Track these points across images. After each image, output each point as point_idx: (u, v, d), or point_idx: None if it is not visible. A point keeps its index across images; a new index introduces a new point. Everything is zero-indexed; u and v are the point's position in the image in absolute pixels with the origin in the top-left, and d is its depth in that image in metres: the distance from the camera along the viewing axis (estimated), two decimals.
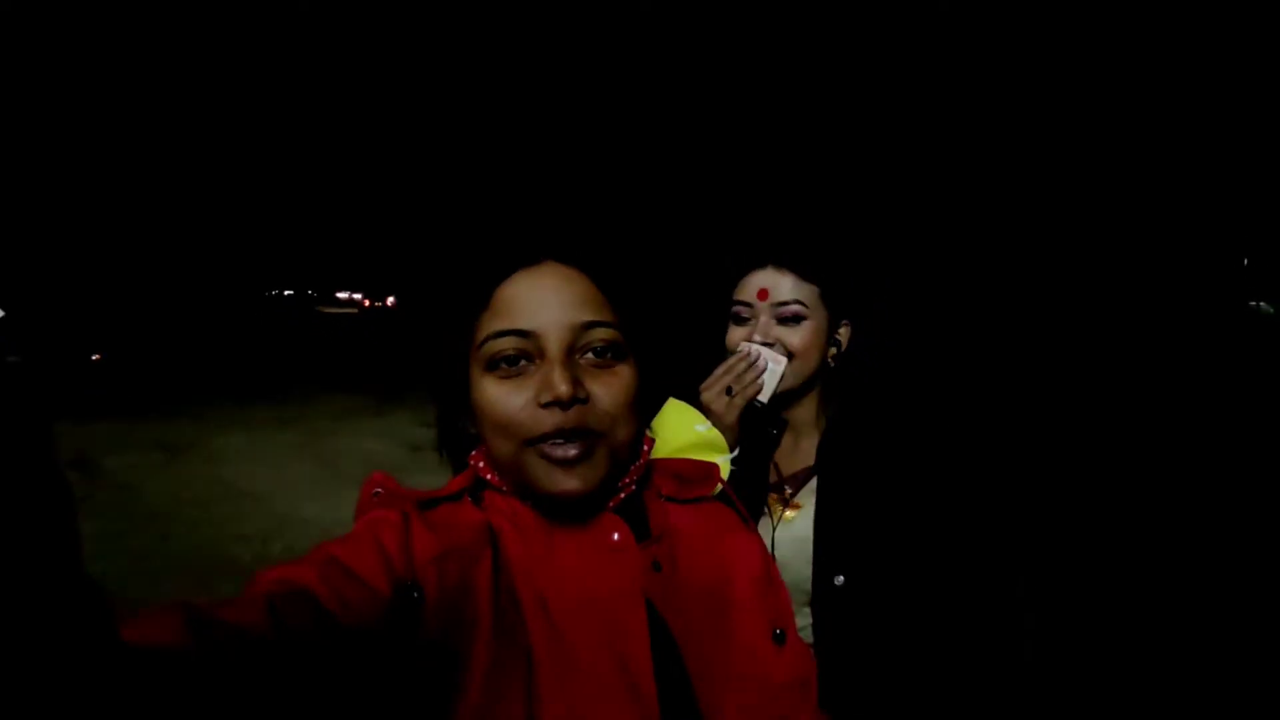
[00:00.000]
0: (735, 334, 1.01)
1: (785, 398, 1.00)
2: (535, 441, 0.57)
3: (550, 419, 0.56)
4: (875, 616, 0.90)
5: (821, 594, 0.92)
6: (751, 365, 0.95)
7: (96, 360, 10.71)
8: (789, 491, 1.01)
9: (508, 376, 0.58)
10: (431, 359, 0.66)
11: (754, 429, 1.00)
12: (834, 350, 1.02)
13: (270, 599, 0.44)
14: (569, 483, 0.57)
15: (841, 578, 0.90)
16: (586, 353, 0.59)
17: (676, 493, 0.69)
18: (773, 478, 1.02)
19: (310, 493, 4.25)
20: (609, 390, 0.58)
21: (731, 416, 0.93)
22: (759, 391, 0.95)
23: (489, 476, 0.63)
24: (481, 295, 0.60)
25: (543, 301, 0.59)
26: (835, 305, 1.01)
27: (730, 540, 0.68)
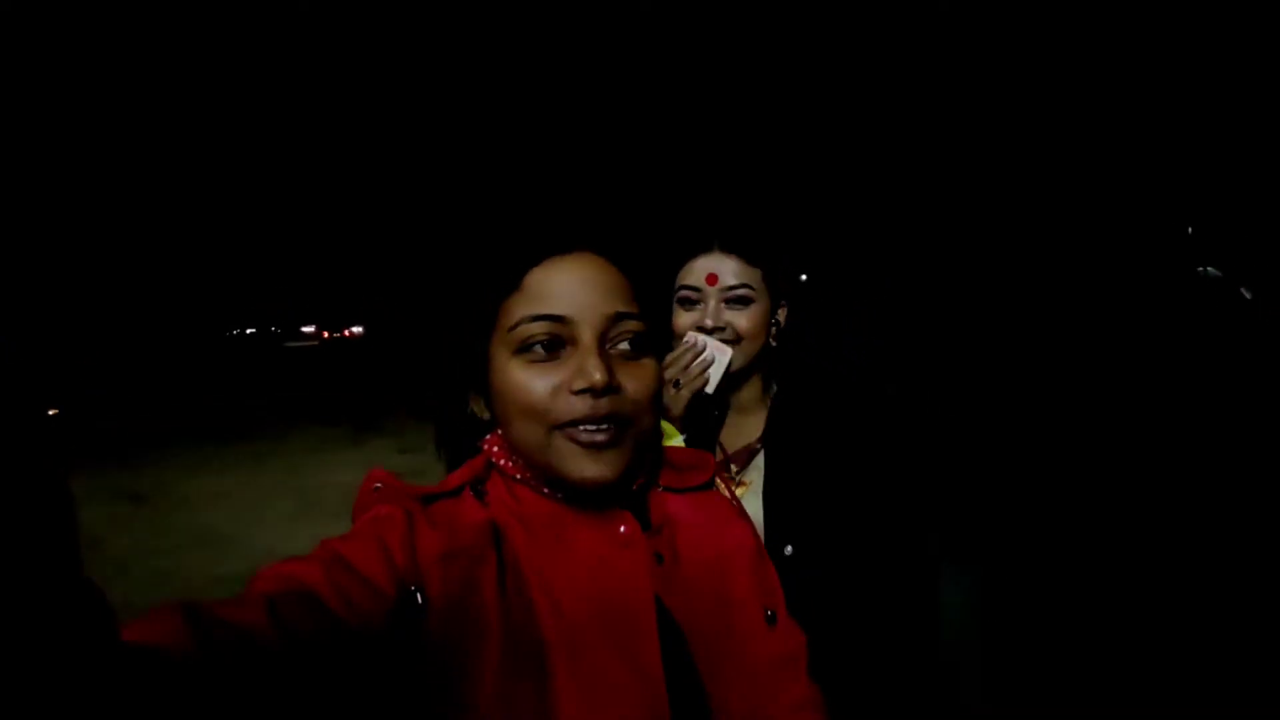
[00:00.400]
0: (685, 319, 1.03)
1: (731, 378, 1.02)
2: (564, 426, 0.56)
3: (582, 405, 0.56)
4: (822, 581, 0.93)
5: (772, 559, 0.95)
6: (698, 357, 0.98)
7: (53, 415, 10.28)
8: (735, 469, 1.03)
9: (538, 361, 0.58)
10: (449, 340, 0.64)
11: (698, 414, 1.02)
12: (774, 329, 1.05)
13: (271, 598, 0.43)
14: (595, 468, 0.57)
15: (790, 548, 0.94)
16: (618, 343, 0.59)
17: (673, 482, 0.69)
18: (718, 456, 1.04)
19: (291, 530, 4.12)
20: (637, 381, 0.59)
21: (679, 408, 0.96)
22: (706, 384, 0.98)
23: (503, 463, 0.62)
24: (512, 278, 0.60)
25: (578, 289, 0.58)
26: (775, 287, 1.04)
27: (725, 529, 0.68)
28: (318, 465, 5.91)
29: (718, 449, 1.06)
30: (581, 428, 0.56)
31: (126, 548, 4.00)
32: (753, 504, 0.98)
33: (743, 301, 1.01)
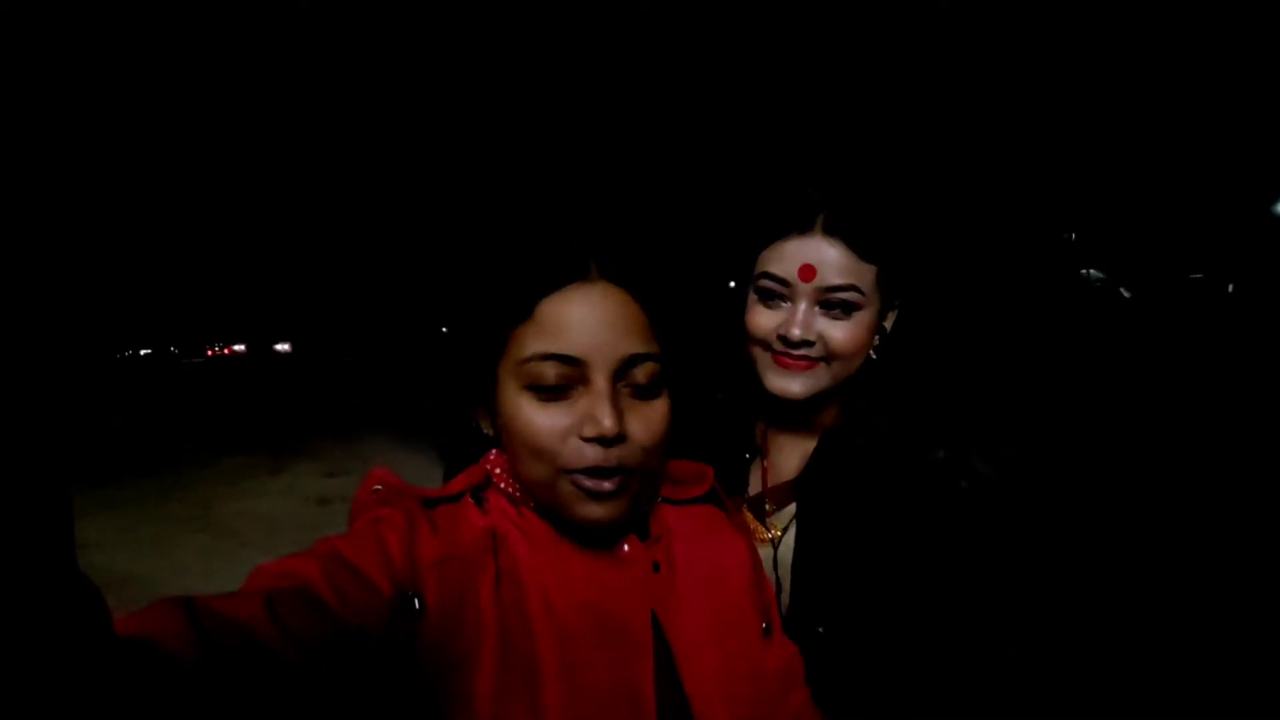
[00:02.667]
0: (764, 318, 0.79)
1: (808, 399, 0.80)
2: (572, 472, 0.55)
3: (591, 454, 0.54)
4: (859, 663, 0.76)
5: (801, 638, 0.75)
6: None
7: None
8: (770, 508, 0.85)
9: (549, 400, 0.55)
10: (457, 359, 0.62)
11: (726, 450, 0.87)
12: (877, 341, 0.81)
13: (269, 593, 0.43)
14: (599, 511, 0.56)
15: (823, 629, 0.76)
16: (629, 384, 0.57)
17: (670, 493, 0.68)
18: (756, 488, 0.87)
19: (207, 567, 3.79)
20: (647, 426, 0.57)
21: None
22: None
23: (504, 485, 0.61)
24: (525, 306, 0.56)
25: (593, 326, 0.55)
26: (890, 289, 0.79)
27: (721, 540, 0.68)
28: (234, 495, 5.48)
29: (760, 475, 0.87)
30: (589, 477, 0.55)
31: None
32: (784, 555, 0.81)
33: (845, 308, 0.76)
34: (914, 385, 0.84)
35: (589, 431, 0.54)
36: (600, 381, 0.55)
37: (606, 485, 0.55)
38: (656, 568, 0.61)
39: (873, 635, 0.75)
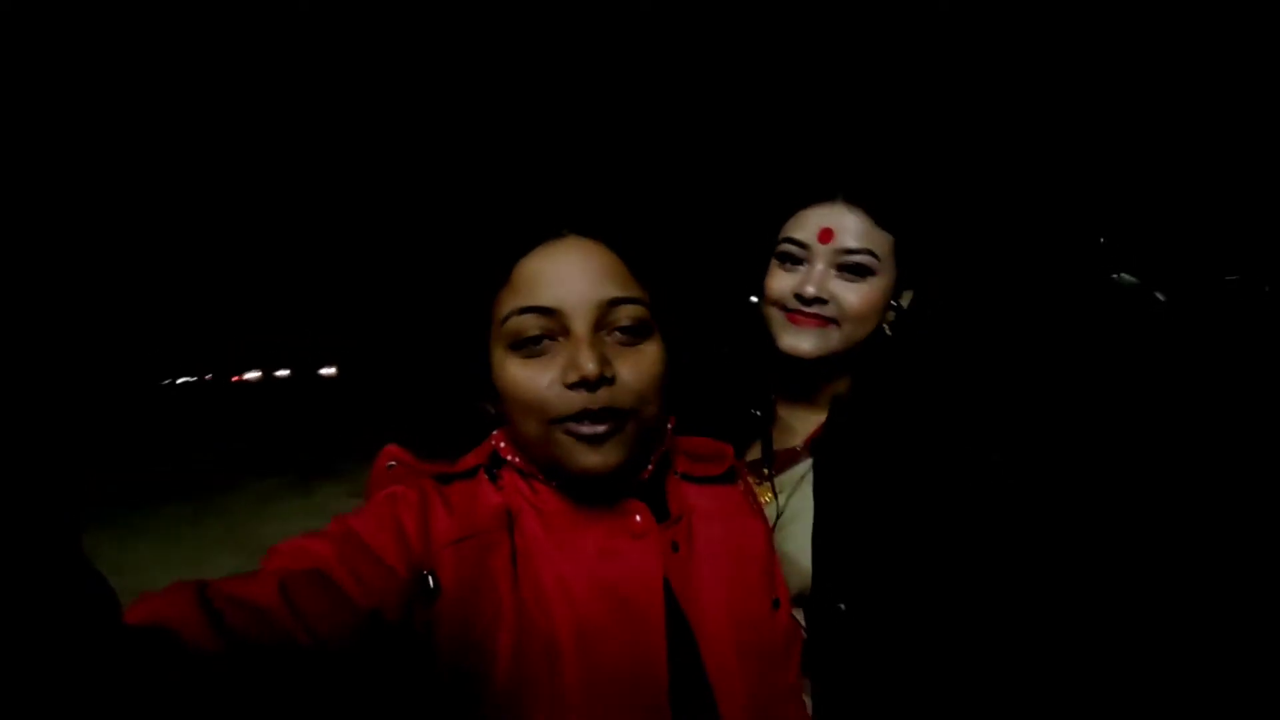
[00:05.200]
0: (782, 280, 0.83)
1: (818, 363, 0.82)
2: (562, 420, 0.55)
3: (578, 399, 0.54)
4: (883, 641, 0.75)
5: (821, 616, 0.77)
6: None
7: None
8: (766, 473, 0.86)
9: (532, 356, 0.56)
10: (448, 341, 0.63)
11: (734, 407, 0.88)
12: (891, 315, 0.84)
13: (283, 575, 0.42)
14: (595, 459, 0.55)
15: (844, 605, 0.74)
16: (613, 330, 0.57)
17: (691, 470, 0.68)
18: (756, 453, 0.88)
19: None
20: (636, 369, 0.57)
21: None
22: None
23: (510, 457, 0.61)
24: (500, 272, 0.58)
25: (566, 277, 0.56)
26: (907, 263, 0.82)
27: (740, 521, 0.68)
28: (264, 517, 5.61)
29: (757, 447, 0.88)
30: (580, 423, 0.55)
31: None
32: (774, 515, 0.81)
33: (859, 271, 0.79)
34: (926, 368, 0.85)
35: (571, 376, 0.54)
36: (580, 328, 0.56)
37: (599, 428, 0.55)
38: (676, 548, 0.61)
39: (895, 612, 0.75)
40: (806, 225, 0.81)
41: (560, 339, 0.57)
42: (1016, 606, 0.73)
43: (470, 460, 0.62)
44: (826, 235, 0.79)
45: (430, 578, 0.51)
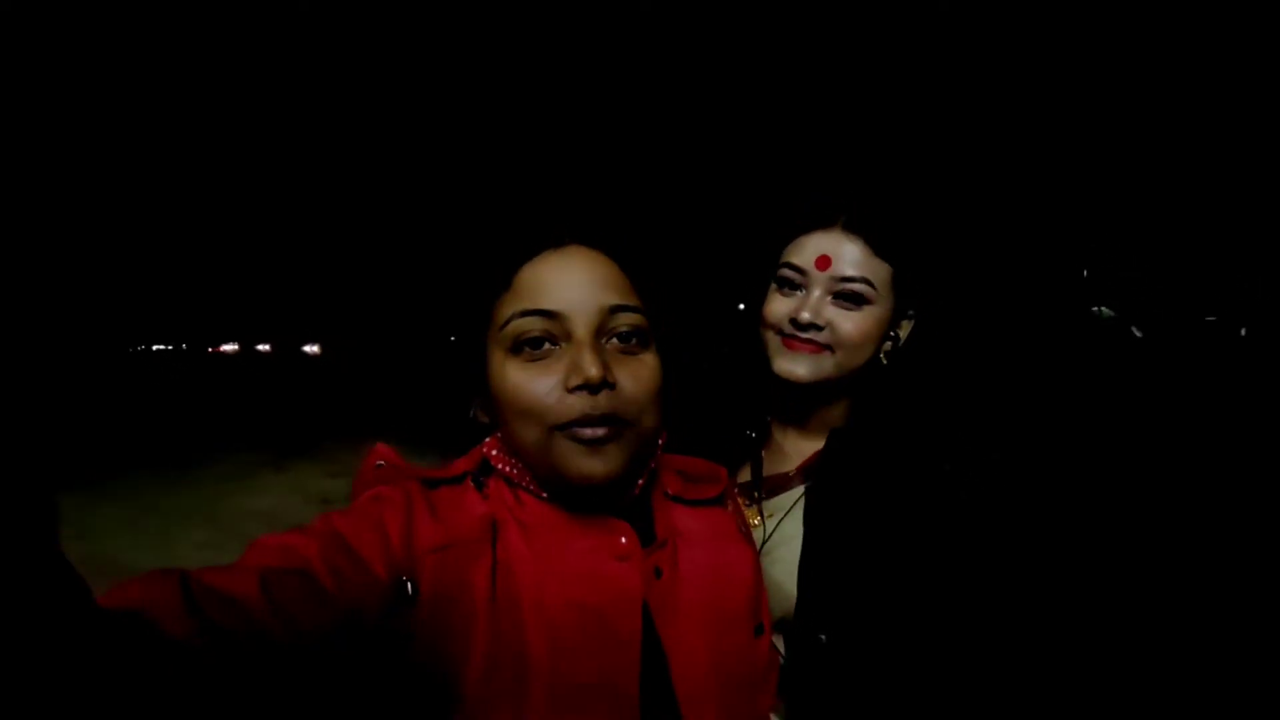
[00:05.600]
0: (780, 304, 0.83)
1: (812, 389, 0.83)
2: (564, 426, 0.55)
3: (579, 404, 0.54)
4: (861, 675, 0.74)
5: (802, 645, 0.77)
6: None
7: None
8: (757, 495, 0.87)
9: (533, 359, 0.56)
10: (445, 344, 0.63)
11: (728, 429, 0.89)
12: (889, 345, 0.84)
13: (264, 570, 0.43)
14: (596, 464, 0.55)
15: (825, 636, 0.74)
16: (613, 338, 0.57)
17: (682, 492, 0.67)
18: (746, 476, 0.89)
19: (206, 560, 3.78)
20: (636, 378, 0.57)
21: None
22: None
23: (501, 466, 0.61)
24: (503, 276, 0.58)
25: (569, 283, 0.57)
26: (905, 293, 0.83)
27: (727, 546, 0.67)
28: (237, 492, 5.50)
29: (748, 469, 0.88)
30: (581, 427, 0.55)
31: None
32: (764, 541, 0.81)
33: (855, 299, 0.80)
34: (922, 397, 0.86)
35: (574, 380, 0.54)
36: (581, 332, 0.56)
37: (601, 431, 0.55)
38: (659, 573, 0.60)
39: (877, 645, 0.75)
40: (805, 251, 0.82)
41: (561, 344, 0.56)
42: (1005, 653, 0.74)
43: (460, 466, 0.61)
44: (824, 262, 0.80)
45: (409, 584, 0.51)
